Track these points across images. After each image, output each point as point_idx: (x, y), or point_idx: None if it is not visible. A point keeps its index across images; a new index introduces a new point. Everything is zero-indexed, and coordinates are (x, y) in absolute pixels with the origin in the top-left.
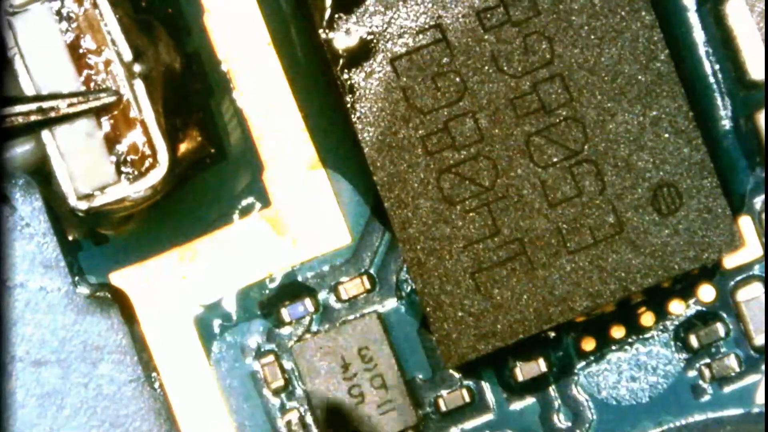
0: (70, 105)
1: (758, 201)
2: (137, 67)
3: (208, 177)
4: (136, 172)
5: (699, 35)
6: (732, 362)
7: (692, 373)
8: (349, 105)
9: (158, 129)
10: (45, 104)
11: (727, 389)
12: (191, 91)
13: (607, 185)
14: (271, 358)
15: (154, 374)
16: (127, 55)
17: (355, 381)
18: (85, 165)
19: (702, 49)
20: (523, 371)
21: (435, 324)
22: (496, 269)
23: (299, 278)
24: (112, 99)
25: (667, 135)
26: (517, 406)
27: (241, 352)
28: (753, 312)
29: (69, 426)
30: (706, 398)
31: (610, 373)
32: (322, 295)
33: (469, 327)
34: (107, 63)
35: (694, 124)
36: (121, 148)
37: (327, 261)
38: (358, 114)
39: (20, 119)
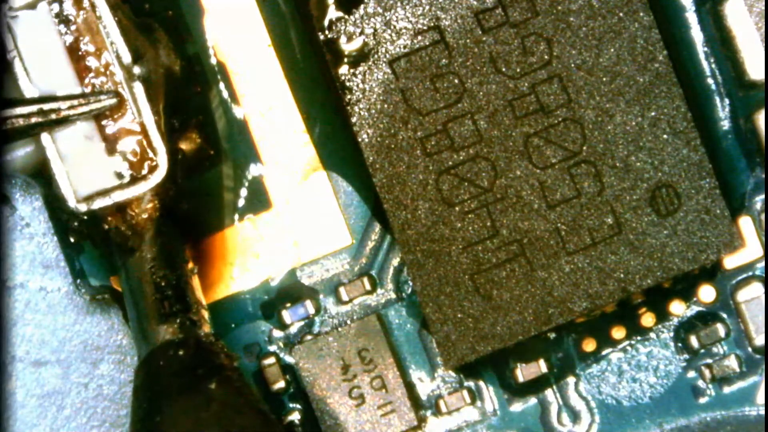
0: (71, 107)
1: (758, 201)
2: (137, 70)
3: (208, 179)
4: (135, 175)
5: (698, 35)
6: (732, 363)
7: (693, 374)
8: (348, 106)
9: (158, 131)
10: (45, 106)
11: (728, 389)
12: (191, 94)
13: (606, 186)
14: (272, 359)
15: None
16: (127, 58)
17: (355, 382)
18: (84, 168)
19: (701, 50)
20: (523, 372)
21: (434, 325)
22: (495, 270)
23: (300, 280)
24: (112, 101)
25: (665, 136)
26: (517, 407)
27: (242, 354)
28: (753, 312)
29: (69, 426)
30: (706, 398)
31: (610, 374)
32: (322, 297)
33: (468, 328)
34: (107, 65)
35: (693, 124)
36: (121, 150)
37: (328, 262)
38: (357, 115)
39: (21, 121)
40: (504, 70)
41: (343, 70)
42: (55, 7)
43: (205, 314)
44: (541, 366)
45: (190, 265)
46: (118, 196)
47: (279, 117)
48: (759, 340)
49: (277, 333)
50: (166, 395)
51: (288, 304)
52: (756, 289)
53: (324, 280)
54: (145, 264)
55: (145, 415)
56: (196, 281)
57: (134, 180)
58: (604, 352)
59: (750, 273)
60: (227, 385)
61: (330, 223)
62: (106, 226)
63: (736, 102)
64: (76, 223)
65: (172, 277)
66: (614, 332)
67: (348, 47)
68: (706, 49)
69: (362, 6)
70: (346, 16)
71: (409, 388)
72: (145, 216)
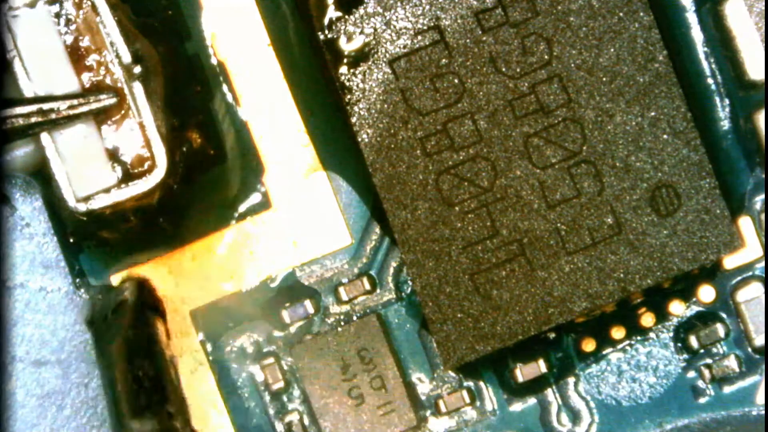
0: (70, 107)
1: (758, 201)
2: (136, 69)
3: (208, 179)
4: (135, 175)
5: (698, 35)
6: (732, 363)
7: (692, 374)
8: (348, 106)
9: (157, 131)
10: (45, 106)
11: (727, 390)
12: (190, 93)
13: (606, 186)
14: (271, 359)
15: None
16: (126, 58)
17: (355, 382)
18: (84, 167)
19: (701, 50)
20: (523, 372)
21: (434, 325)
22: (495, 270)
23: (300, 280)
24: (112, 101)
25: (665, 136)
26: (517, 407)
27: (242, 354)
28: (753, 312)
29: (69, 426)
30: (706, 399)
31: (610, 374)
32: (322, 297)
33: (468, 328)
34: (106, 65)
35: (693, 124)
36: (120, 150)
37: (327, 262)
38: (356, 115)
39: (20, 121)
40: (504, 70)
41: (343, 70)
42: (55, 6)
43: (184, 405)
44: (541, 366)
45: (169, 352)
46: (118, 196)
47: (279, 117)
48: (759, 340)
49: (277, 333)
50: None
51: (288, 304)
52: (756, 289)
53: (324, 280)
54: (122, 356)
55: None
56: (173, 368)
57: (133, 179)
58: (603, 352)
59: (750, 273)
60: None
61: (330, 223)
62: (102, 234)
63: (736, 102)
64: (72, 228)
65: (150, 368)
66: (614, 332)
67: (348, 47)
68: (706, 49)
69: (362, 6)
70: (346, 16)
71: (409, 388)
72: (123, 295)
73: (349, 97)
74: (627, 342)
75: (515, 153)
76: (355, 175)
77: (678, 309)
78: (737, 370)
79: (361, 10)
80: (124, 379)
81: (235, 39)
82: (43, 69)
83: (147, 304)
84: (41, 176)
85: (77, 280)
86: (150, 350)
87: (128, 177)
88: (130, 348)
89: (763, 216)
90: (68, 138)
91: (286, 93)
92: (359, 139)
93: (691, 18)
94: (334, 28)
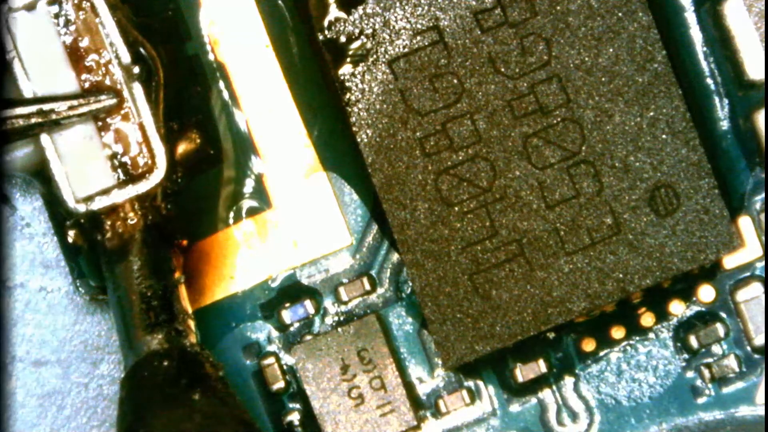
0: (70, 108)
1: (757, 201)
2: (136, 70)
3: (208, 179)
4: (135, 175)
5: (697, 35)
6: (732, 362)
7: (692, 374)
8: (347, 107)
9: (156, 132)
10: (45, 106)
11: (727, 389)
12: (191, 94)
13: (605, 186)
14: (271, 359)
15: None
16: (126, 58)
17: (354, 382)
18: (83, 168)
19: (700, 50)
20: (523, 372)
21: (434, 325)
22: (495, 270)
23: (300, 280)
24: (112, 101)
25: (664, 136)
26: (517, 407)
27: (242, 354)
28: (753, 312)
29: (69, 426)
30: (705, 398)
31: (610, 374)
32: (322, 297)
33: (467, 328)
34: (106, 66)
35: (692, 124)
36: (120, 151)
37: (327, 262)
38: (356, 116)
39: (20, 122)
40: (503, 70)
41: (343, 70)
42: (55, 7)
43: (191, 324)
44: (541, 366)
45: (177, 274)
46: (117, 197)
47: (279, 117)
48: (758, 340)
49: (277, 333)
50: (150, 407)
51: (288, 304)
52: (755, 289)
53: (324, 280)
54: (132, 274)
55: (129, 427)
56: (182, 291)
57: (133, 180)
58: (603, 352)
59: (749, 273)
60: (211, 395)
61: (330, 223)
62: (95, 235)
63: (736, 102)
64: (72, 229)
65: (158, 287)
66: (614, 332)
67: (348, 47)
68: (705, 49)
69: (362, 6)
70: (346, 16)
71: (409, 388)
72: (132, 223)
73: (348, 97)
74: (627, 342)
75: (514, 153)
76: (355, 175)
77: (678, 309)
78: (737, 369)
79: (361, 10)
80: (135, 296)
81: (235, 39)
82: (43, 69)
83: (156, 225)
84: (41, 176)
85: (77, 280)
86: (158, 270)
87: (128, 177)
88: (139, 267)
89: (762, 216)
90: (68, 138)
91: (286, 93)
92: (359, 140)
93: (690, 18)
94: (333, 28)
